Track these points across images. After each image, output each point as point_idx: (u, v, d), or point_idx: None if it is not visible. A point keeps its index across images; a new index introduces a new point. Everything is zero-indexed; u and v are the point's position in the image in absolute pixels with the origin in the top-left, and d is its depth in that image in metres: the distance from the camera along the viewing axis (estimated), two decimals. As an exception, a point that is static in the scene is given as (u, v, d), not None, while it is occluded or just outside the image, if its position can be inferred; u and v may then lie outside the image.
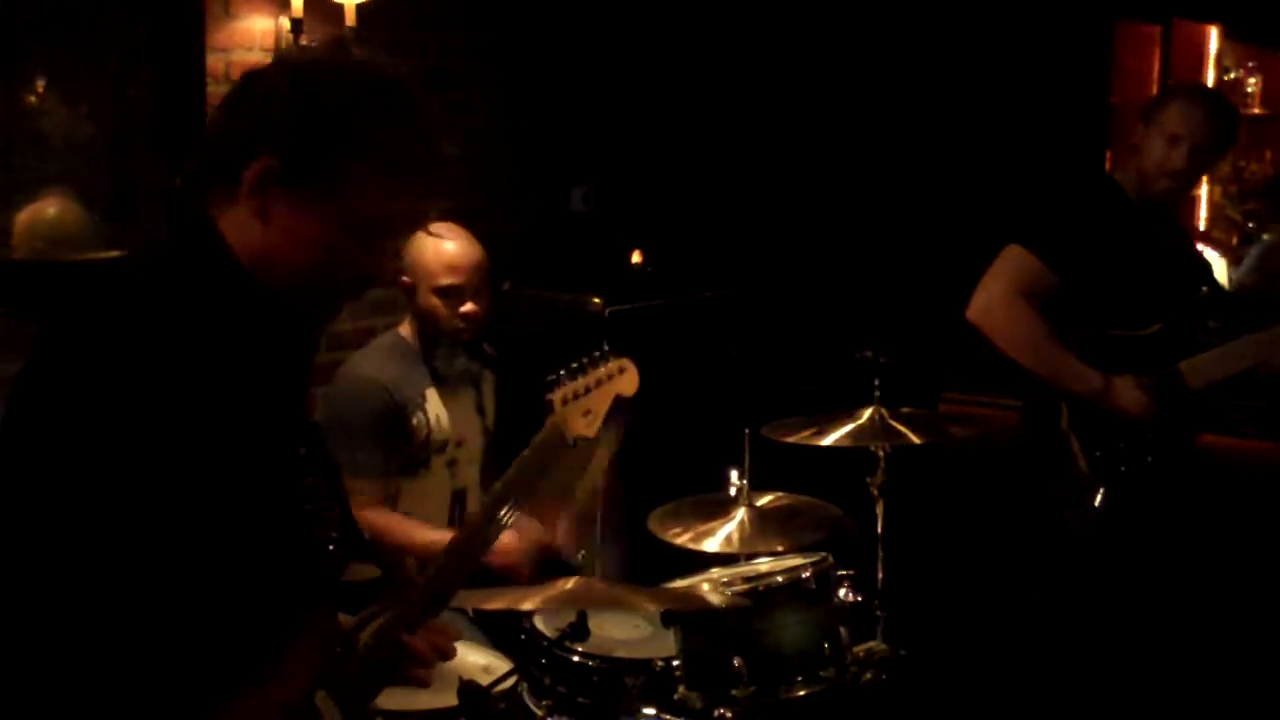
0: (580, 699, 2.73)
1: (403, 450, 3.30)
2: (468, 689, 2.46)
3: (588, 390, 2.05)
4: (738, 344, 5.02)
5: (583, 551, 2.74)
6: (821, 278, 5.42)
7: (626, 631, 2.97)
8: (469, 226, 3.39)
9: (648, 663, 2.76)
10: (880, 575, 3.19)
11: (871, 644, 3.02)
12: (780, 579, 2.81)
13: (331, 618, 1.91)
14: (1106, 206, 3.48)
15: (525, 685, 2.74)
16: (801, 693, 2.73)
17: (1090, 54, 6.01)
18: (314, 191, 1.72)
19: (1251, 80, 7.30)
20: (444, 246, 3.27)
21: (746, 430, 3.06)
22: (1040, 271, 3.39)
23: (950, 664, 3.52)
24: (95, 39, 3.75)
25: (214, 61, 3.96)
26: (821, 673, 2.76)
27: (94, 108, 3.76)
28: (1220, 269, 6.16)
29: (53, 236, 3.68)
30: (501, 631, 3.07)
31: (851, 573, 2.93)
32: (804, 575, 2.81)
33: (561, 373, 2.05)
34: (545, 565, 3.24)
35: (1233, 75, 7.32)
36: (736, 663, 2.67)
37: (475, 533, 2.02)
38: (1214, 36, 7.25)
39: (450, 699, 2.48)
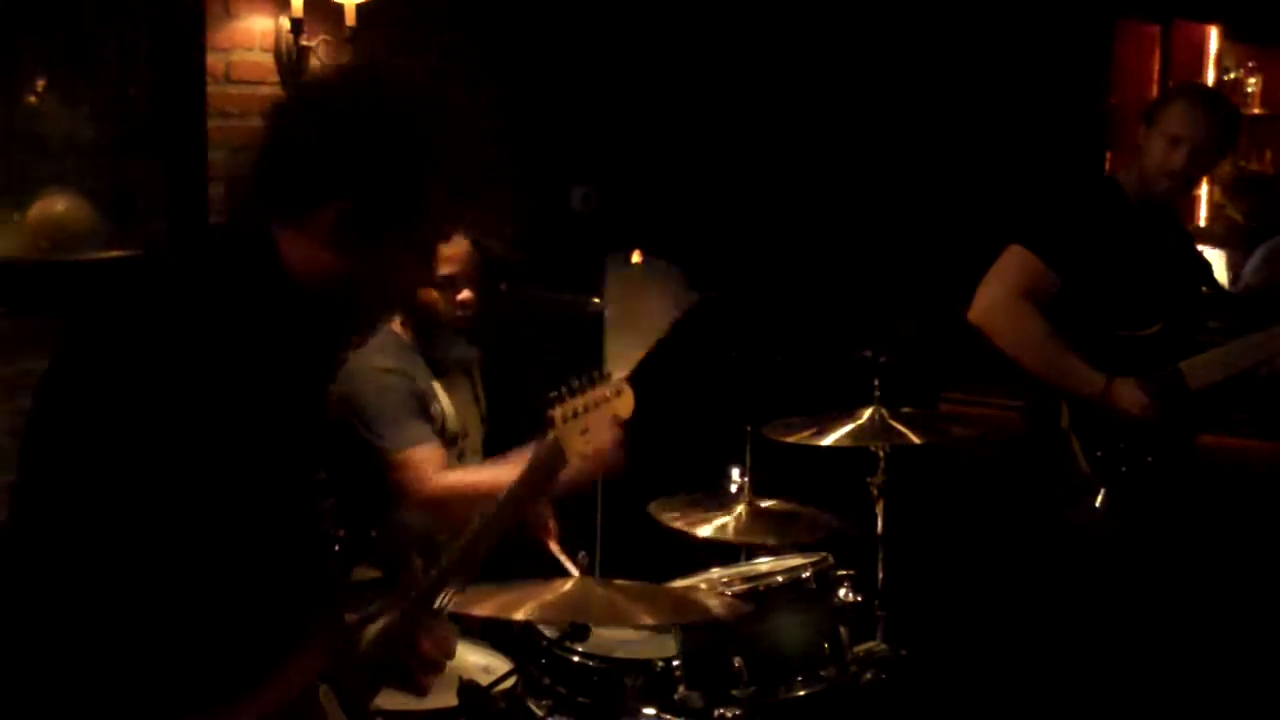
0: (580, 699, 2.73)
1: (435, 432, 3.31)
2: (468, 689, 2.46)
3: (586, 409, 2.08)
4: (738, 344, 5.02)
5: (582, 552, 2.74)
6: (821, 278, 5.42)
7: (626, 631, 2.97)
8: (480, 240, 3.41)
9: (648, 663, 2.76)
10: (880, 575, 3.19)
11: (871, 644, 3.02)
12: (780, 579, 2.81)
13: (337, 615, 1.92)
14: (1107, 207, 3.48)
15: (525, 685, 2.74)
16: (801, 693, 2.73)
17: (1090, 54, 6.01)
18: (390, 227, 1.75)
19: (1251, 80, 7.31)
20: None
21: (748, 428, 3.06)
22: (1041, 272, 3.39)
23: (950, 664, 3.53)
24: (95, 39, 3.75)
25: (214, 61, 3.96)
26: (821, 673, 2.76)
27: (94, 108, 3.76)
28: (1220, 268, 6.17)
29: (61, 234, 3.68)
30: (501, 631, 3.07)
31: (851, 573, 2.93)
32: (804, 575, 2.82)
33: (563, 389, 2.07)
34: (544, 565, 3.24)
35: (1233, 75, 7.33)
36: (736, 663, 2.67)
37: (483, 537, 2.01)
38: (1214, 36, 7.26)
39: (450, 699, 2.48)
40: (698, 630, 2.72)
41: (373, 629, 1.90)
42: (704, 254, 5.19)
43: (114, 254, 3.71)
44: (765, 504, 3.17)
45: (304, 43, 4.10)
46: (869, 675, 2.89)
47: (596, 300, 3.91)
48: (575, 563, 2.88)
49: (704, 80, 5.43)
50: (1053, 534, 3.51)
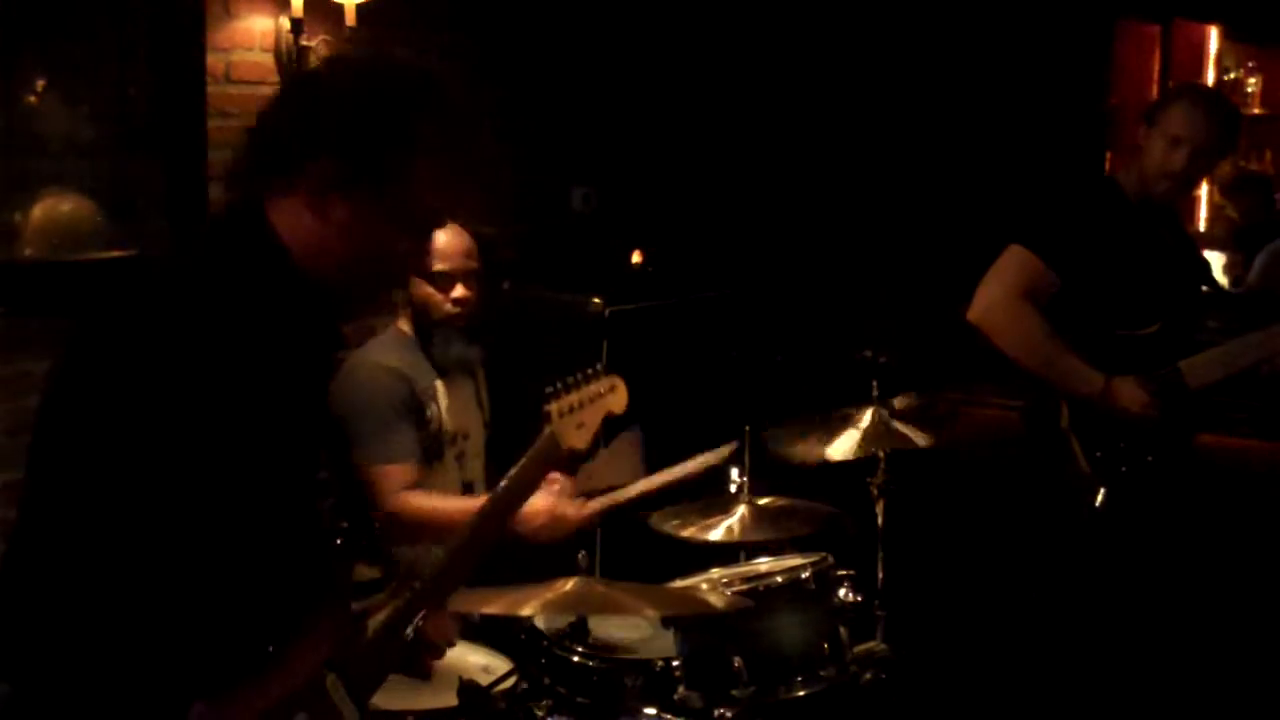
0: (580, 699, 2.73)
1: (423, 440, 3.31)
2: (468, 689, 2.46)
3: (582, 404, 2.13)
4: (738, 344, 5.02)
5: (582, 551, 2.74)
6: (821, 278, 5.42)
7: (626, 631, 2.97)
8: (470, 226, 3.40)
9: (648, 663, 2.76)
10: (880, 575, 3.19)
11: (871, 644, 3.02)
12: (780, 579, 2.81)
13: (342, 604, 1.95)
14: (1106, 207, 3.48)
15: (525, 685, 2.74)
16: (801, 693, 2.73)
17: (1090, 54, 6.02)
18: (372, 190, 1.78)
19: (1251, 80, 7.32)
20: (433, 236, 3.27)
21: (747, 429, 3.06)
22: (1041, 272, 3.39)
23: (950, 664, 3.53)
24: (95, 39, 3.75)
25: (214, 61, 3.96)
26: (821, 673, 2.76)
27: (94, 108, 3.76)
28: (1218, 269, 6.18)
29: (59, 236, 3.68)
30: (501, 631, 3.07)
31: (851, 573, 2.93)
32: (804, 575, 2.81)
33: (559, 384, 2.12)
34: (543, 565, 3.24)
35: (1233, 75, 7.34)
36: (736, 663, 2.67)
37: (484, 528, 2.06)
38: (1214, 36, 7.27)
39: (450, 699, 2.48)
40: (698, 630, 2.72)
41: (378, 617, 1.94)
42: (704, 254, 5.20)
43: (114, 254, 3.71)
44: (764, 502, 3.16)
45: (304, 43, 4.10)
46: (869, 675, 2.89)
47: (596, 300, 3.92)
48: (575, 563, 2.88)
49: (704, 81, 5.43)
50: (1053, 534, 3.51)
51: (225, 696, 1.72)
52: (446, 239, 3.30)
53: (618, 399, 2.21)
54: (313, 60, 4.15)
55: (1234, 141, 3.58)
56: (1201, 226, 7.22)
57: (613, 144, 5.23)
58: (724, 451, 3.10)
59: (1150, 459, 3.41)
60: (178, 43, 3.86)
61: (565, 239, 5.09)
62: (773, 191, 5.56)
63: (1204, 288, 3.72)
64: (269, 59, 4.09)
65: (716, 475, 3.25)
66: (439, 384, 3.36)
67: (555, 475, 3.13)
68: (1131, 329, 3.45)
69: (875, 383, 3.32)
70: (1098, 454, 3.42)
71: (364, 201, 1.79)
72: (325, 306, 1.86)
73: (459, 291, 3.33)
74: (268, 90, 4.08)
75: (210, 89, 3.94)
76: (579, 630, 2.71)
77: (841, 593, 2.89)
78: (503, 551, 3.21)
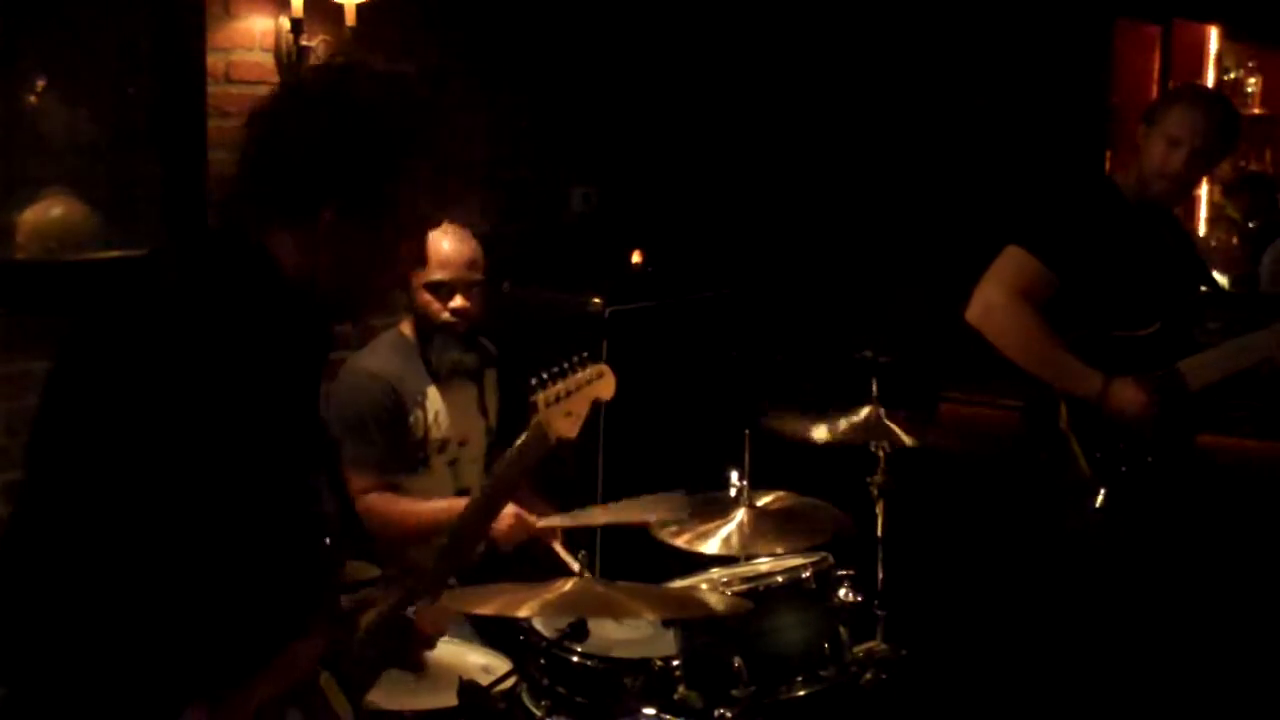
0: (580, 699, 2.73)
1: (401, 447, 3.31)
2: (468, 689, 2.46)
3: (569, 393, 2.15)
4: (738, 344, 5.02)
5: (582, 551, 2.74)
6: (821, 278, 5.42)
7: (626, 631, 2.97)
8: (461, 225, 3.40)
9: (648, 663, 2.76)
10: (880, 575, 3.19)
11: (871, 644, 3.02)
12: (780, 579, 2.81)
13: (335, 604, 1.96)
14: (1105, 207, 3.48)
15: (525, 685, 2.74)
16: (801, 693, 2.73)
17: (1090, 54, 6.01)
18: (373, 216, 1.83)
19: (1251, 80, 7.32)
20: (436, 242, 3.28)
21: (746, 430, 3.06)
22: (1039, 272, 3.39)
23: (950, 664, 3.53)
24: (95, 39, 3.75)
25: (214, 61, 3.96)
26: (821, 673, 2.76)
27: (94, 108, 3.76)
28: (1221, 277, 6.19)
29: (58, 236, 3.67)
30: (501, 631, 3.08)
31: (851, 573, 2.93)
32: (804, 575, 2.82)
33: (544, 375, 2.15)
34: (542, 565, 3.24)
35: (1233, 75, 7.34)
36: (736, 663, 2.67)
37: (476, 518, 2.11)
38: (1214, 36, 7.26)
39: (450, 699, 2.48)
40: (698, 630, 2.72)
41: (369, 615, 1.96)
42: (704, 254, 5.20)
43: (114, 254, 3.70)
44: (764, 502, 3.16)
45: (304, 43, 4.10)
46: (869, 675, 2.89)
47: (596, 300, 3.92)
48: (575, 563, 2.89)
49: (704, 81, 5.43)
50: (1052, 534, 3.51)
51: (220, 696, 1.73)
52: (449, 248, 3.30)
53: (605, 386, 2.24)
54: (313, 61, 4.15)
55: (1233, 142, 3.58)
56: (1202, 228, 7.22)
57: (613, 144, 5.23)
58: (679, 504, 3.08)
59: (1150, 459, 3.41)
60: (178, 43, 3.86)
61: (565, 239, 5.09)
62: (772, 191, 5.56)
63: (1203, 288, 3.71)
64: (269, 59, 4.09)
65: (716, 476, 3.25)
66: (431, 390, 3.36)
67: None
68: (1130, 329, 3.45)
69: (875, 382, 3.32)
70: (1097, 454, 3.42)
71: (361, 224, 1.83)
72: (318, 312, 1.89)
73: (458, 301, 3.33)
74: (267, 90, 4.07)
75: (210, 89, 3.94)
76: (579, 630, 2.71)
77: (841, 593, 2.89)
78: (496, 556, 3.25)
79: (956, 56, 5.56)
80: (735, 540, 3.04)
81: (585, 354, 2.23)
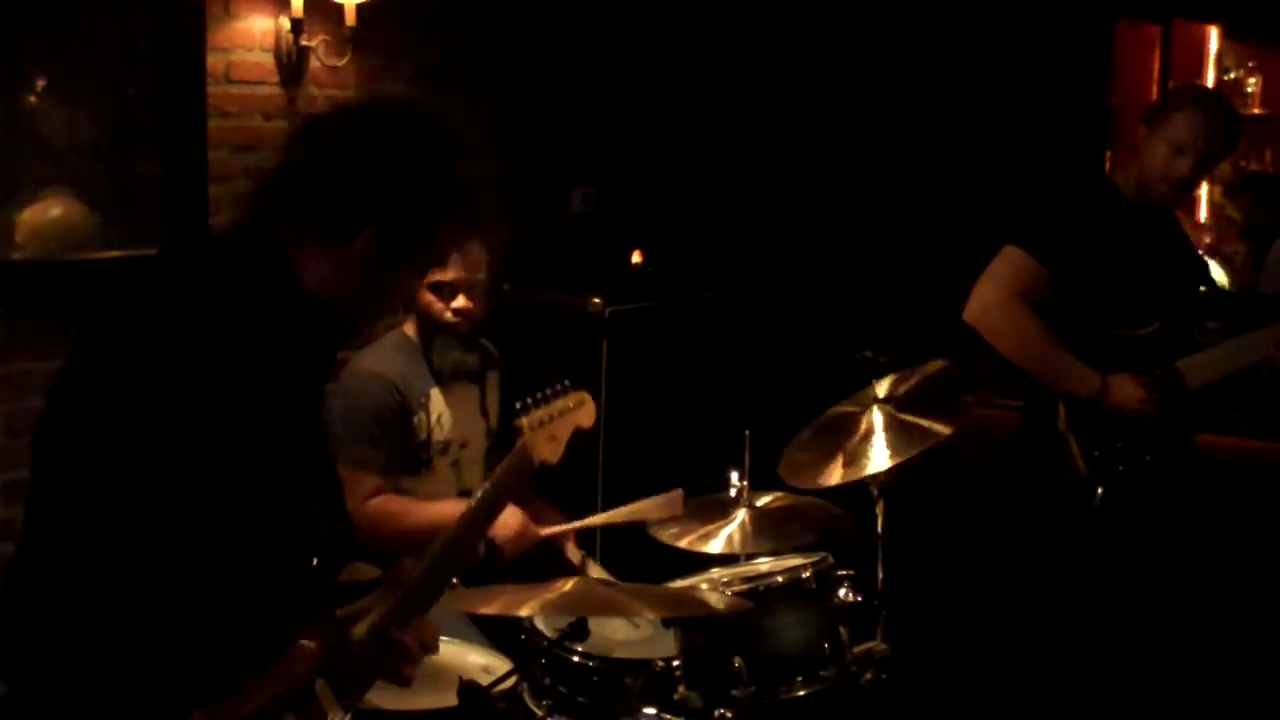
0: (580, 699, 2.73)
1: (404, 449, 3.31)
2: (468, 689, 2.46)
3: (552, 418, 2.22)
4: (738, 344, 5.02)
5: (582, 552, 2.75)
6: (821, 278, 5.42)
7: (626, 631, 2.97)
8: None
9: (648, 663, 2.76)
10: (880, 575, 3.19)
11: (871, 644, 3.02)
12: (780, 579, 2.81)
13: (330, 611, 1.96)
14: (1103, 207, 3.48)
15: (525, 685, 2.74)
16: (801, 693, 2.73)
17: (1090, 54, 6.01)
18: (406, 248, 1.89)
19: (1251, 80, 7.32)
20: None
21: (747, 431, 3.06)
22: (1037, 272, 3.39)
23: (950, 664, 3.52)
24: (95, 39, 3.75)
25: (214, 61, 3.96)
26: (821, 673, 2.76)
27: (94, 108, 3.76)
28: (1220, 275, 6.18)
29: (57, 236, 3.67)
30: (501, 631, 3.08)
31: (851, 573, 2.93)
32: (804, 575, 2.81)
33: (528, 400, 2.21)
34: (542, 564, 3.24)
35: (1233, 75, 7.34)
36: (736, 663, 2.67)
37: (462, 537, 2.11)
38: (1214, 36, 7.26)
39: (450, 699, 2.48)
40: (698, 630, 2.72)
41: (362, 624, 1.97)
42: (704, 254, 5.20)
43: (114, 254, 3.71)
44: (764, 502, 3.16)
45: (304, 43, 4.10)
46: (869, 675, 2.88)
47: (596, 300, 3.91)
48: (575, 563, 2.89)
49: (704, 81, 5.43)
50: (1051, 534, 3.51)
51: (219, 700, 1.74)
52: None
53: (586, 413, 2.30)
54: (313, 61, 4.15)
55: (1234, 143, 3.58)
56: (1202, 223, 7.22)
57: (613, 144, 5.23)
58: (675, 501, 3.12)
59: (1148, 459, 3.41)
60: (178, 43, 3.86)
61: (565, 239, 5.09)
62: (772, 191, 5.56)
63: (1201, 288, 3.71)
64: (269, 59, 4.10)
65: (716, 476, 3.26)
66: (434, 392, 3.36)
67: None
68: (1129, 329, 3.45)
69: (875, 383, 3.32)
70: (1096, 454, 3.42)
71: (395, 259, 1.89)
72: (326, 323, 1.92)
73: (460, 302, 3.33)
74: (268, 90, 4.08)
75: (210, 89, 3.94)
76: (579, 630, 2.71)
77: (841, 593, 2.88)
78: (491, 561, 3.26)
79: (956, 56, 5.56)
80: (735, 540, 3.04)
81: (567, 382, 2.29)
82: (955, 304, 3.53)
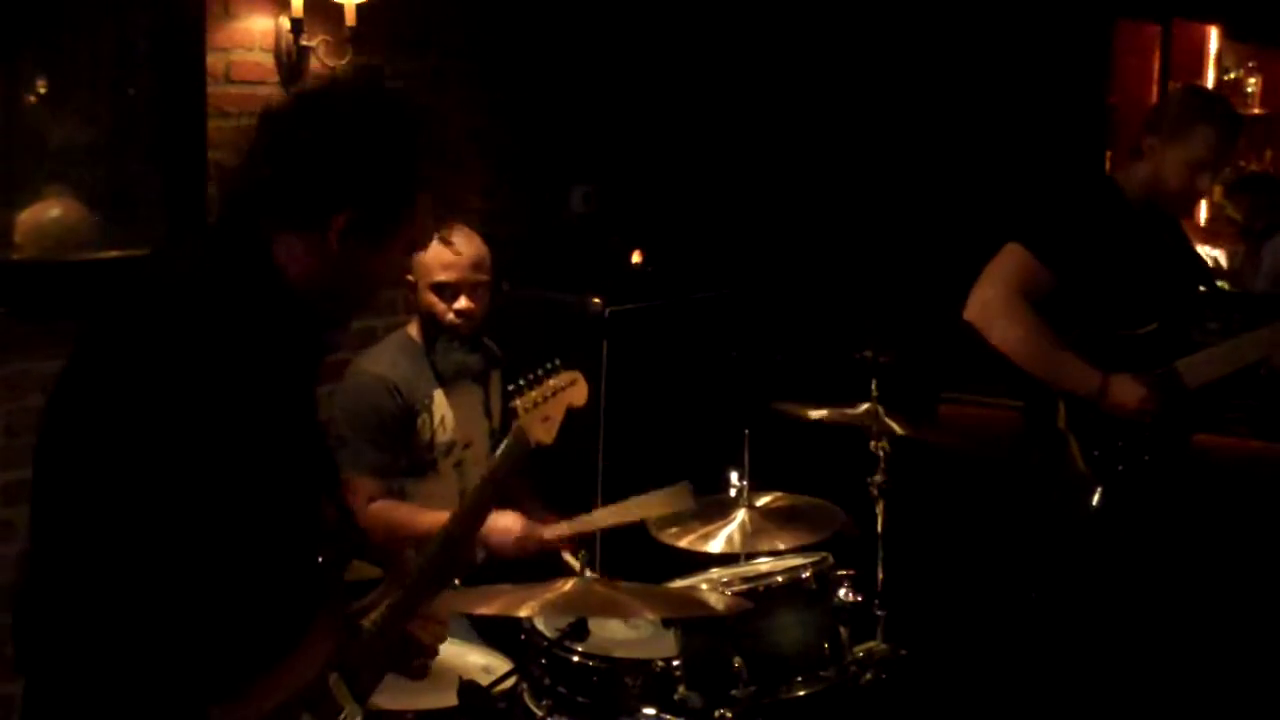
0: (580, 699, 2.73)
1: (408, 451, 3.31)
2: (468, 689, 2.47)
3: (545, 399, 2.24)
4: (738, 344, 5.02)
5: (582, 552, 2.75)
6: (821, 278, 5.42)
7: (626, 631, 2.97)
8: (469, 226, 3.40)
9: (648, 663, 2.76)
10: (880, 575, 3.19)
11: (871, 644, 3.02)
12: (780, 579, 2.81)
13: (340, 607, 1.98)
14: (1105, 207, 3.48)
15: (525, 685, 2.74)
16: (801, 693, 2.73)
17: (1090, 54, 6.02)
18: (381, 231, 1.88)
19: (1251, 80, 7.32)
20: (442, 245, 3.28)
21: (746, 431, 3.06)
22: (1037, 270, 3.39)
23: (950, 664, 3.53)
24: (95, 40, 3.75)
25: (214, 61, 3.96)
26: (821, 673, 2.76)
27: (94, 108, 3.76)
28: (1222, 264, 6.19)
29: (57, 236, 3.67)
30: (501, 631, 3.08)
31: (851, 573, 2.93)
32: (804, 575, 2.82)
33: (521, 382, 2.24)
34: (543, 565, 3.24)
35: (1233, 75, 7.34)
36: (736, 663, 2.67)
37: (464, 525, 2.14)
38: (1214, 36, 7.27)
39: (450, 699, 2.49)
40: (698, 630, 2.72)
41: (372, 617, 1.98)
42: (704, 254, 5.20)
43: (113, 254, 3.70)
44: (764, 502, 3.16)
45: (304, 43, 4.10)
46: (869, 675, 2.89)
47: (596, 300, 3.91)
48: (575, 560, 2.89)
49: (703, 80, 5.43)
50: (1051, 533, 3.51)
51: (236, 698, 1.74)
52: (456, 249, 3.30)
53: (578, 392, 2.31)
54: (313, 61, 4.15)
55: (1237, 145, 3.60)
56: (1201, 224, 7.22)
57: (613, 144, 5.23)
58: (682, 493, 3.11)
59: (1147, 458, 3.41)
60: (178, 43, 3.86)
61: (565, 239, 5.08)
62: (772, 191, 5.56)
63: (1201, 288, 3.71)
64: (269, 59, 4.09)
65: (716, 476, 3.26)
66: (437, 393, 3.36)
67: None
68: (1128, 328, 3.45)
69: (875, 383, 3.33)
70: (1095, 453, 3.42)
71: (369, 242, 1.88)
72: (315, 317, 1.92)
73: (462, 303, 3.33)
74: (268, 90, 4.08)
75: (210, 89, 3.94)
76: (579, 630, 2.71)
77: (841, 593, 2.89)
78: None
79: (957, 57, 5.56)
80: (736, 540, 3.04)
81: (558, 361, 2.31)
82: (956, 304, 3.53)
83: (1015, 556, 3.67)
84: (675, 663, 2.74)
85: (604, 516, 3.27)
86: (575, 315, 4.56)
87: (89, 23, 3.72)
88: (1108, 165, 6.07)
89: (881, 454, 3.28)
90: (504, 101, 4.87)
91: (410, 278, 3.34)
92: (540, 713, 2.70)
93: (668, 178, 5.35)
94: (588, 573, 2.67)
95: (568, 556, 3.23)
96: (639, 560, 3.15)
